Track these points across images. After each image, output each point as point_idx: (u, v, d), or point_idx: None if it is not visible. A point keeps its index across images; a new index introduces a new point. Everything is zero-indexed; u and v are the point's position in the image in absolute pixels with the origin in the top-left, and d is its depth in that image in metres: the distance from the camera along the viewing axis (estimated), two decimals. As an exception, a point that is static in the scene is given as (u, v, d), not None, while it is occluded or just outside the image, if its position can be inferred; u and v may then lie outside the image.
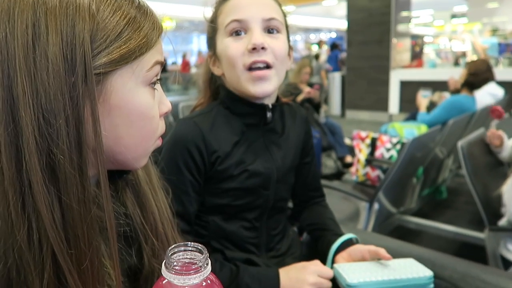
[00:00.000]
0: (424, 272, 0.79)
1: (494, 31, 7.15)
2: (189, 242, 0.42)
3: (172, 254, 0.41)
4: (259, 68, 0.82)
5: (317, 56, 8.21)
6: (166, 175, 0.67)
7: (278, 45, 0.84)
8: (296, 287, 0.80)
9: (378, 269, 0.81)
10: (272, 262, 0.93)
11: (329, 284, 0.82)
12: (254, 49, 0.80)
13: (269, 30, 0.84)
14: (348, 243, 0.90)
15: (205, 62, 0.96)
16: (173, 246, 0.42)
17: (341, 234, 0.93)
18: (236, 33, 0.83)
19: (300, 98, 3.75)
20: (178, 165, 0.83)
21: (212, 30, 0.89)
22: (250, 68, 0.82)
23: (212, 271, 0.82)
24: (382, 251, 0.83)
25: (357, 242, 0.91)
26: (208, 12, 0.90)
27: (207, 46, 0.93)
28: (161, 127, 0.53)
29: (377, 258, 0.85)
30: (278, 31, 0.85)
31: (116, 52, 0.44)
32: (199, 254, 0.41)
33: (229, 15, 0.83)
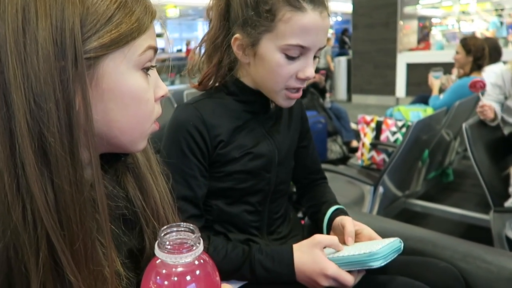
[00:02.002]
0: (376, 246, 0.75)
1: (497, 11, 6.97)
2: (182, 223, 0.43)
3: (165, 235, 0.42)
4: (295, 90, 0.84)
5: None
6: (172, 161, 0.67)
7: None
8: (312, 268, 0.78)
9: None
10: (275, 244, 0.94)
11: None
12: (303, 79, 0.81)
13: (315, 56, 0.83)
14: (336, 213, 0.93)
15: (215, 33, 0.86)
16: (165, 226, 0.42)
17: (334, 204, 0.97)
18: (293, 56, 0.80)
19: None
20: (183, 150, 0.83)
21: (264, 23, 0.78)
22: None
23: (225, 251, 0.83)
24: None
25: (343, 210, 0.95)
26: None
27: (242, 28, 0.82)
28: (156, 110, 0.54)
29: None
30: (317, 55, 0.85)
31: (106, 36, 0.44)
32: (191, 234, 0.41)
33: (296, 36, 0.77)
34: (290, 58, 0.79)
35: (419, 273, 0.83)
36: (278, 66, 0.80)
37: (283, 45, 0.78)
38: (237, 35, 0.82)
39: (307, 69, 0.80)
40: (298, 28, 0.77)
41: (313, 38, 0.78)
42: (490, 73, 2.92)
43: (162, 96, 0.54)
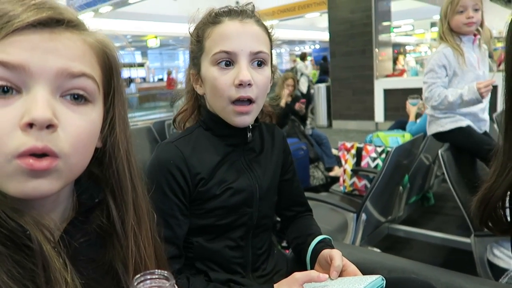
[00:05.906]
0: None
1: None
2: (156, 270, 0.41)
3: (138, 283, 0.40)
4: (242, 102, 0.83)
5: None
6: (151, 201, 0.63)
7: (262, 79, 0.84)
8: None
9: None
10: (259, 281, 0.92)
11: None
12: (240, 84, 0.81)
13: (257, 63, 0.84)
14: (322, 245, 0.90)
15: (187, 76, 0.95)
16: (139, 275, 0.41)
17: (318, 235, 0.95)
18: (225, 63, 0.82)
19: (282, 102, 3.75)
20: (163, 190, 0.82)
21: (197, 49, 0.87)
22: (234, 101, 0.83)
23: None
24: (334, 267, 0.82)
25: (330, 241, 0.93)
26: (192, 29, 0.89)
27: (190, 62, 0.92)
28: (19, 142, 0.42)
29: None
30: (264, 64, 0.85)
31: None
32: (166, 281, 0.40)
33: (218, 44, 0.82)
34: (223, 68, 0.82)
35: None
36: (215, 79, 0.83)
37: (211, 57, 0.83)
38: (191, 71, 0.91)
39: (240, 73, 0.81)
40: (218, 36, 0.83)
41: (235, 42, 0.82)
42: None
43: (27, 123, 0.42)
